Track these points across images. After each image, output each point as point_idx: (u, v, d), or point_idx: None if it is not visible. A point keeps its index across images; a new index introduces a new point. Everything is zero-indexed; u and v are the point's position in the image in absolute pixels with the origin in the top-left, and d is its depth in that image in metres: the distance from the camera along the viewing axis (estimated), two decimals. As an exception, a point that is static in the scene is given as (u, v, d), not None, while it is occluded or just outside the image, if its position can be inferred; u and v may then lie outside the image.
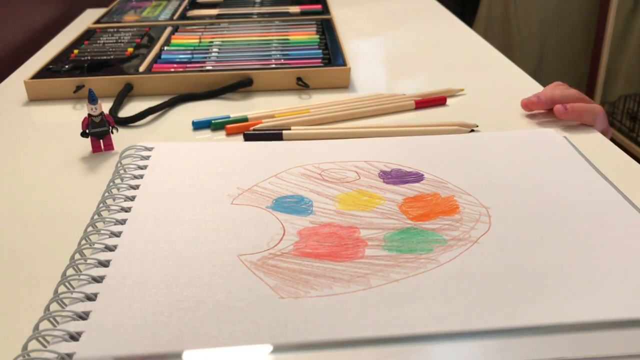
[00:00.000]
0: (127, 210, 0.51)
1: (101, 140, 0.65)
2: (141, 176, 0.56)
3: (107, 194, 0.53)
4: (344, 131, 0.68)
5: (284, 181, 0.55)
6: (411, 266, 0.44)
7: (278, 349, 0.37)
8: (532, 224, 0.49)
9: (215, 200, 0.52)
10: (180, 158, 0.60)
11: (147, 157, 0.60)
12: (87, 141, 0.65)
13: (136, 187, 0.54)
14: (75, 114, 0.78)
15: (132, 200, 0.52)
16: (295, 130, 0.68)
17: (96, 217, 0.50)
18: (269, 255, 0.45)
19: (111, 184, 0.55)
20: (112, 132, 0.66)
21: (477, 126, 0.68)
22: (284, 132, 0.67)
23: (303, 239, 0.47)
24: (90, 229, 0.48)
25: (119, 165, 0.58)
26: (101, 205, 0.51)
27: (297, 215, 0.50)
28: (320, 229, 0.48)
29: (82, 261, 0.45)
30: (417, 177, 0.56)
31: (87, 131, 0.64)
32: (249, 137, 0.68)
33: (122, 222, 0.49)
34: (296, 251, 0.46)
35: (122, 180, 0.55)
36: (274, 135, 0.67)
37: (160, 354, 0.37)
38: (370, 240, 0.47)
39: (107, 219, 0.49)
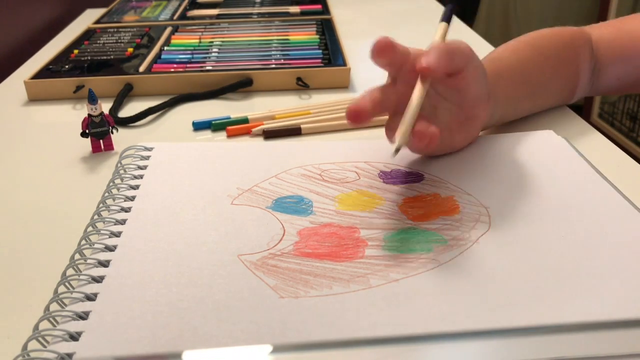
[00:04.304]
0: (127, 210, 0.51)
1: (101, 140, 0.65)
2: (141, 176, 0.56)
3: (107, 194, 0.53)
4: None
5: (284, 181, 0.55)
6: (411, 266, 0.44)
7: (278, 349, 0.37)
8: (532, 224, 0.48)
9: (215, 201, 0.52)
10: (180, 158, 0.60)
11: (147, 157, 0.59)
12: (87, 141, 0.65)
13: (136, 187, 0.54)
14: (75, 114, 0.78)
15: (132, 200, 0.52)
16: (312, 124, 0.69)
17: (96, 217, 0.50)
18: (269, 255, 0.45)
19: (111, 184, 0.55)
20: (112, 132, 0.66)
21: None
22: (302, 126, 0.69)
23: (303, 239, 0.47)
24: (90, 229, 0.48)
25: (118, 165, 0.58)
26: (101, 205, 0.51)
27: (297, 216, 0.50)
28: (320, 229, 0.48)
29: (82, 261, 0.45)
30: (417, 177, 0.56)
31: (87, 131, 0.64)
32: (269, 135, 0.69)
33: (122, 222, 0.49)
34: (296, 251, 0.46)
35: (122, 180, 0.55)
36: (293, 130, 0.69)
37: (160, 354, 0.37)
38: (370, 240, 0.47)
39: (107, 219, 0.49)
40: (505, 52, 0.67)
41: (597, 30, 0.72)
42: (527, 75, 0.65)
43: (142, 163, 0.58)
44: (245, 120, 0.71)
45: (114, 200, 0.52)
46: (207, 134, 0.71)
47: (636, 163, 0.61)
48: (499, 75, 0.62)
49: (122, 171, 0.57)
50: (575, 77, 0.69)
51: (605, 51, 0.71)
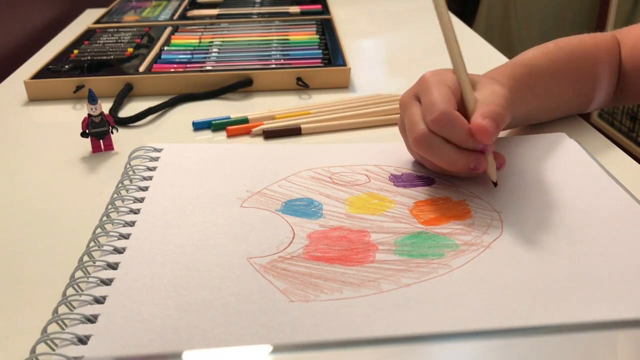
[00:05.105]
0: (136, 212, 0.50)
1: (101, 140, 0.65)
2: (150, 177, 0.56)
3: (115, 195, 0.53)
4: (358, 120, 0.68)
5: (293, 184, 0.55)
6: (422, 271, 0.43)
7: (279, 348, 0.37)
8: (545, 228, 0.48)
9: (225, 203, 0.52)
10: (190, 160, 0.59)
11: (157, 159, 0.59)
12: (87, 141, 0.65)
13: (145, 189, 0.54)
14: (75, 114, 0.77)
15: (141, 202, 0.52)
16: (312, 124, 0.69)
17: (105, 218, 0.49)
18: (279, 258, 0.45)
19: (120, 185, 0.54)
20: (112, 132, 0.66)
21: None
22: (302, 126, 0.69)
23: (313, 243, 0.47)
24: (98, 230, 0.48)
25: (127, 166, 0.57)
26: (110, 206, 0.51)
27: (307, 219, 0.50)
28: (330, 232, 0.48)
29: (91, 263, 0.44)
30: (428, 181, 0.55)
31: (87, 131, 0.64)
32: (269, 135, 0.68)
33: (131, 224, 0.49)
34: (306, 255, 0.45)
35: (131, 181, 0.55)
36: (293, 130, 0.69)
37: (169, 358, 0.36)
38: (381, 245, 0.46)
39: (116, 221, 0.49)
40: (535, 59, 0.64)
41: (623, 35, 0.69)
42: (552, 87, 0.64)
43: (151, 164, 0.58)
44: (245, 120, 0.71)
45: (122, 201, 0.52)
46: (207, 134, 0.70)
47: (636, 163, 0.60)
48: (530, 87, 0.60)
49: (131, 172, 0.56)
50: (592, 90, 0.67)
51: (627, 60, 0.68)
